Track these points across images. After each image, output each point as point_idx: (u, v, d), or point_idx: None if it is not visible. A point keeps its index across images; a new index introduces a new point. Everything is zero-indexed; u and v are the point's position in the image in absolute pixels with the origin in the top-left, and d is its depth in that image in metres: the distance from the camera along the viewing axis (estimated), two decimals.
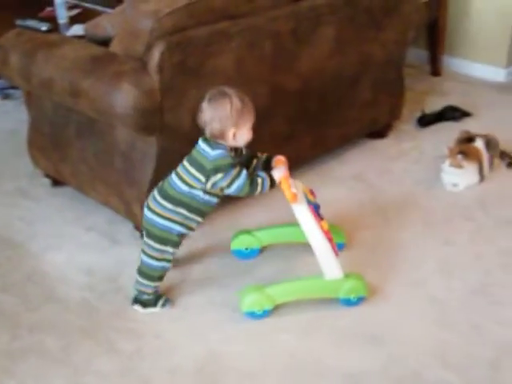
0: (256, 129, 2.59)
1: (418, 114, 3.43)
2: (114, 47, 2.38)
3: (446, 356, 1.98)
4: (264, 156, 2.21)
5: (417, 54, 4.11)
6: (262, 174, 2.10)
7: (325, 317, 2.14)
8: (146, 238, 2.15)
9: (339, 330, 2.09)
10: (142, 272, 2.17)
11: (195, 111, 2.33)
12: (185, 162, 2.10)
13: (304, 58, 2.62)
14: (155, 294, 2.20)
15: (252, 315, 2.14)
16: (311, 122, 2.82)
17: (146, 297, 2.19)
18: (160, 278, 2.19)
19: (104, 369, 1.97)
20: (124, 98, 2.18)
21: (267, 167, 2.16)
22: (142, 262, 2.17)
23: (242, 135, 2.06)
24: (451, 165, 2.76)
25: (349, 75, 2.85)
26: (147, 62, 2.20)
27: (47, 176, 2.88)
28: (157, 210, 2.10)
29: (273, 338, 2.07)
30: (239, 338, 2.08)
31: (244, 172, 2.05)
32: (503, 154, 3.02)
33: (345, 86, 2.87)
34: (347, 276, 2.15)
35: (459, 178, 2.81)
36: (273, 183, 2.09)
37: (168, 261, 2.16)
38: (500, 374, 1.91)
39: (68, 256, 2.47)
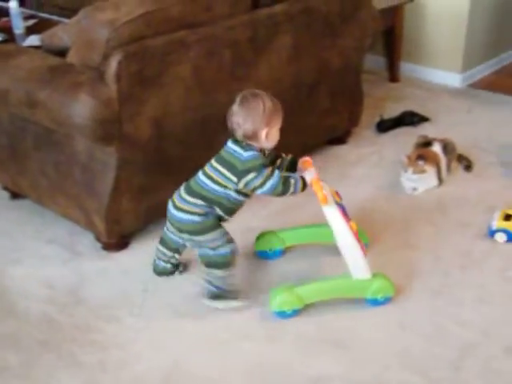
0: (215, 136, 2.61)
1: (377, 120, 3.47)
2: (71, 57, 2.36)
3: (408, 358, 2.00)
4: (289, 157, 2.26)
5: (375, 61, 4.17)
6: (295, 175, 2.15)
7: (288, 323, 2.14)
8: (179, 234, 2.19)
9: (303, 335, 2.10)
10: (209, 263, 2.18)
11: (155, 120, 2.34)
12: (214, 163, 2.14)
13: (262, 66, 2.64)
14: (231, 286, 2.22)
15: (282, 315, 2.15)
16: None
17: (224, 288, 2.19)
18: (230, 265, 2.18)
19: (66, 383, 1.94)
20: (82, 108, 2.16)
21: (292, 168, 2.21)
22: (203, 255, 2.18)
23: (272, 135, 2.10)
24: (414, 172, 2.80)
25: (307, 82, 2.88)
26: (104, 72, 2.19)
27: (5, 189, 2.84)
28: (185, 208, 2.13)
29: (237, 346, 2.07)
30: (204, 346, 2.07)
31: (277, 172, 2.10)
32: (460, 158, 3.08)
33: (304, 94, 2.89)
34: (374, 276, 2.17)
35: (418, 182, 2.85)
36: (304, 185, 2.13)
37: (224, 244, 2.16)
38: (461, 374, 1.93)
39: (28, 270, 2.43)
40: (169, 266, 2.36)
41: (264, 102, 2.07)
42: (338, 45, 2.94)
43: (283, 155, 2.25)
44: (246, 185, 2.08)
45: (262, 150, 2.12)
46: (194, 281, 2.34)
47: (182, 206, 2.14)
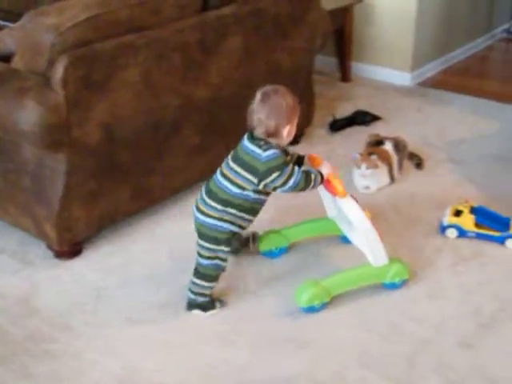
0: (167, 141, 2.60)
1: (330, 120, 3.50)
2: (16, 63, 2.31)
3: (365, 355, 2.01)
4: (296, 154, 2.24)
5: (326, 62, 4.20)
6: (313, 170, 2.14)
7: (245, 325, 2.14)
8: (198, 240, 2.15)
9: (261, 337, 2.09)
10: (199, 273, 2.16)
11: (104, 125, 2.31)
12: (232, 164, 2.08)
13: (213, 69, 2.63)
14: (211, 295, 2.19)
15: (312, 310, 2.17)
16: (223, 132, 2.82)
17: (202, 299, 2.18)
18: (216, 278, 2.18)
19: None
20: (28, 115, 2.12)
21: (299, 164, 2.19)
22: (199, 264, 2.16)
23: (291, 132, 2.08)
24: (368, 167, 2.82)
25: (258, 84, 2.83)
26: (51, 78, 2.15)
27: None
28: (206, 211, 2.09)
29: (194, 350, 2.05)
30: (160, 351, 2.05)
31: (297, 168, 2.07)
32: (411, 155, 3.12)
33: (255, 95, 2.88)
34: (391, 261, 2.23)
35: (371, 179, 2.88)
36: (322, 179, 2.13)
37: (222, 260, 2.15)
38: (417, 370, 1.96)
39: None
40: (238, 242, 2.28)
41: (285, 99, 2.06)
42: (288, 46, 2.95)
43: (290, 152, 2.21)
44: (267, 185, 2.04)
45: (279, 147, 2.06)
46: (146, 286, 2.32)
47: (204, 209, 2.11)
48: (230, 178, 2.07)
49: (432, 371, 1.95)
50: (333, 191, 2.17)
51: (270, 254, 2.48)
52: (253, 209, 2.12)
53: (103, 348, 2.06)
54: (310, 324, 2.15)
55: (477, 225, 2.53)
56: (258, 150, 2.03)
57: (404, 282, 2.27)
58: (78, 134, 2.24)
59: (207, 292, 2.18)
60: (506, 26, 4.99)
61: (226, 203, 2.07)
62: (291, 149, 3.20)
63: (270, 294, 2.28)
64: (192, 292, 2.19)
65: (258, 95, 2.07)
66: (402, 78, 4.09)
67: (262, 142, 2.04)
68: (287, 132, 2.06)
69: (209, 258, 2.14)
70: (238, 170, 2.06)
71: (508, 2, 4.87)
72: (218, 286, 2.23)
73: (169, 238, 2.59)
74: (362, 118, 3.52)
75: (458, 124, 3.54)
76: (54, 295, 2.29)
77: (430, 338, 2.07)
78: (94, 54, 2.21)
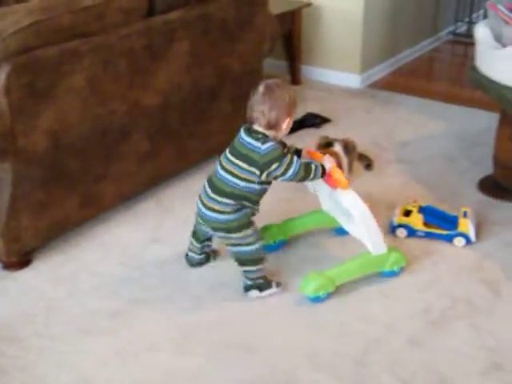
0: (116, 147, 2.57)
1: None
2: None
3: (316, 356, 2.02)
4: (293, 147, 2.30)
5: (276, 65, 4.22)
6: (315, 161, 2.20)
7: (197, 332, 2.13)
8: (217, 234, 2.23)
9: (212, 343, 2.09)
10: (243, 261, 2.23)
11: (51, 133, 2.28)
12: (231, 157, 2.15)
13: (161, 74, 2.61)
14: (265, 276, 2.27)
15: (317, 299, 2.23)
16: (173, 137, 2.81)
17: (260, 281, 2.25)
18: (262, 259, 2.25)
19: None
20: None
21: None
22: (237, 253, 2.22)
23: (289, 126, 2.16)
24: None
25: (207, 88, 2.88)
26: None
27: None
28: (216, 208, 2.16)
29: (148, 359, 2.03)
30: (113, 362, 2.02)
31: (295, 158, 2.14)
32: (361, 157, 3.15)
33: (204, 100, 2.89)
34: (389, 250, 2.31)
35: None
36: (323, 171, 2.19)
37: (256, 240, 2.21)
38: (368, 369, 1.98)
39: None
40: (202, 256, 2.41)
41: (288, 92, 2.14)
42: (236, 50, 2.95)
43: (287, 145, 2.28)
44: (269, 175, 2.12)
45: (275, 140, 2.14)
46: (99, 296, 2.29)
47: (212, 205, 2.17)
48: (234, 172, 2.13)
49: (383, 370, 1.97)
50: (334, 184, 2.23)
51: (269, 248, 2.49)
52: (257, 199, 2.21)
53: (54, 360, 2.03)
54: (261, 328, 2.15)
55: (426, 224, 2.58)
56: (256, 143, 2.10)
57: (402, 270, 2.36)
58: (24, 142, 2.20)
59: (260, 274, 2.25)
60: (451, 28, 5.09)
61: (233, 196, 2.15)
62: None
63: (221, 299, 2.28)
64: (247, 278, 2.26)
65: (261, 88, 2.13)
66: (352, 80, 4.14)
67: (260, 135, 2.11)
68: (286, 125, 2.14)
69: (244, 245, 2.21)
70: (240, 163, 2.12)
71: (453, 5, 4.98)
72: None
73: (119, 246, 2.57)
74: (311, 121, 3.55)
75: (406, 125, 3.60)
76: (2, 307, 2.24)
77: (381, 337, 2.10)
78: (37, 60, 2.17)
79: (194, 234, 2.38)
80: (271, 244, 2.51)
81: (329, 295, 2.25)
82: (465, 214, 2.57)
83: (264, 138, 2.10)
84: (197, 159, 3.04)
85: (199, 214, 2.25)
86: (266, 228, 2.51)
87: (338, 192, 2.25)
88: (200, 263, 2.43)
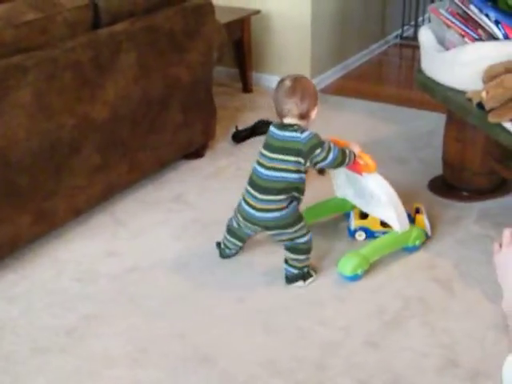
0: (66, 162, 2.54)
1: (233, 131, 3.52)
2: None
3: (274, 363, 2.03)
4: None
5: (227, 73, 4.24)
6: (347, 148, 2.31)
7: (152, 346, 2.11)
8: (272, 232, 2.31)
9: (169, 355, 2.07)
10: (297, 250, 2.30)
11: None
12: (271, 155, 2.21)
13: (108, 86, 2.59)
14: (308, 266, 2.36)
15: (355, 278, 2.36)
16: (125, 149, 2.79)
17: (306, 269, 2.34)
18: (310, 250, 2.35)
19: None
20: None
21: None
22: (293, 245, 2.30)
23: (316, 114, 2.27)
24: None
25: (157, 99, 2.87)
26: None
27: None
28: (270, 207, 2.23)
29: (104, 375, 2.01)
30: (69, 380, 1.99)
31: (332, 144, 2.24)
32: None
33: (154, 111, 2.87)
34: (411, 227, 2.48)
35: None
36: (354, 156, 2.32)
37: (308, 230, 2.32)
38: (325, 372, 1.99)
39: None
40: (234, 251, 2.50)
41: (312, 82, 2.28)
42: (185, 60, 2.95)
43: None
44: (312, 161, 2.20)
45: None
46: (53, 313, 2.26)
47: (266, 206, 2.24)
48: (279, 167, 2.20)
49: (341, 373, 1.98)
50: (361, 168, 2.35)
51: None
52: (304, 188, 2.30)
53: (9, 382, 1.99)
54: (217, 337, 2.15)
55: (382, 224, 2.60)
56: (295, 134, 2.19)
57: (422, 245, 2.53)
58: None
59: (308, 262, 2.35)
60: (398, 32, 5.18)
61: (285, 191, 2.22)
62: (194, 162, 3.24)
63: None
64: (294, 267, 2.32)
65: (288, 82, 2.22)
66: None
67: (296, 127, 2.20)
68: (314, 114, 2.25)
69: (299, 236, 2.29)
70: (283, 157, 2.19)
71: (399, 9, 5.06)
72: None
73: (74, 261, 2.53)
74: (263, 128, 3.55)
75: (357, 128, 3.64)
76: None
77: (338, 340, 2.11)
78: None
79: (235, 235, 2.42)
80: None
81: (363, 273, 2.37)
82: (417, 211, 2.62)
83: (300, 128, 2.19)
84: (149, 170, 3.02)
85: (247, 219, 2.30)
86: None
87: (363, 176, 2.38)
88: (229, 256, 2.51)
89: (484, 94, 2.41)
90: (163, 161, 3.06)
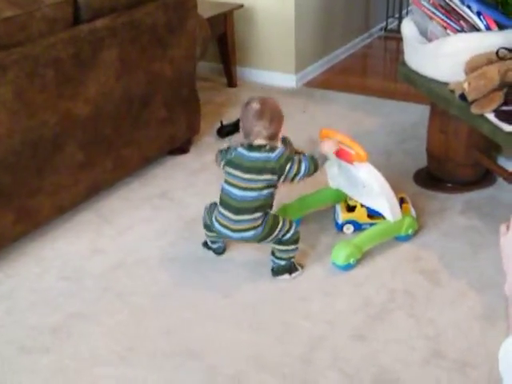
0: (49, 159, 2.52)
1: (218, 126, 3.51)
2: None
3: (260, 358, 2.02)
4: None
5: (212, 68, 4.23)
6: (314, 151, 2.35)
7: (139, 343, 2.10)
8: (262, 243, 2.33)
9: (156, 352, 2.07)
10: (285, 241, 2.31)
11: None
12: (243, 175, 2.23)
13: (90, 83, 2.57)
14: (294, 258, 2.38)
15: (347, 267, 2.38)
16: (108, 146, 2.78)
17: (292, 261, 2.35)
18: (299, 238, 2.36)
19: None
20: None
21: None
22: (281, 240, 2.31)
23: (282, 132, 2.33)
24: None
25: (140, 95, 2.85)
26: None
27: None
28: (246, 227, 2.25)
29: (91, 374, 2.00)
30: (55, 380, 1.97)
31: (301, 155, 2.31)
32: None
33: (137, 107, 2.86)
34: (403, 216, 2.50)
35: None
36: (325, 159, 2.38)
37: (291, 223, 2.33)
38: (313, 366, 1.99)
39: None
40: (222, 244, 2.50)
41: (278, 104, 2.30)
42: (167, 55, 2.94)
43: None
44: (286, 177, 2.26)
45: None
46: (39, 312, 2.25)
47: (241, 226, 2.26)
48: (253, 187, 2.23)
49: (328, 366, 1.98)
50: (352, 158, 2.37)
51: None
52: (272, 203, 2.33)
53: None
54: (203, 333, 2.14)
55: (369, 216, 2.60)
56: (266, 154, 2.23)
57: (414, 233, 2.55)
58: None
59: (295, 254, 2.36)
60: (382, 25, 5.18)
61: (261, 208, 2.25)
62: (179, 158, 3.23)
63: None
64: (281, 258, 2.33)
65: (256, 105, 2.23)
66: (287, 80, 4.17)
67: (267, 147, 2.24)
68: (281, 133, 2.31)
69: (286, 232, 2.31)
70: (259, 177, 2.23)
71: (384, 1, 5.06)
72: None
73: (59, 260, 2.52)
74: None
75: (342, 122, 3.64)
76: None
77: (324, 333, 2.11)
78: None
79: (208, 228, 2.42)
80: None
81: (356, 262, 2.39)
82: (402, 200, 2.62)
83: (270, 148, 2.24)
84: (134, 167, 3.01)
85: (221, 237, 2.38)
86: (282, 208, 2.60)
87: (354, 166, 2.40)
88: (223, 251, 2.52)
89: (466, 86, 2.41)
90: (148, 157, 3.05)
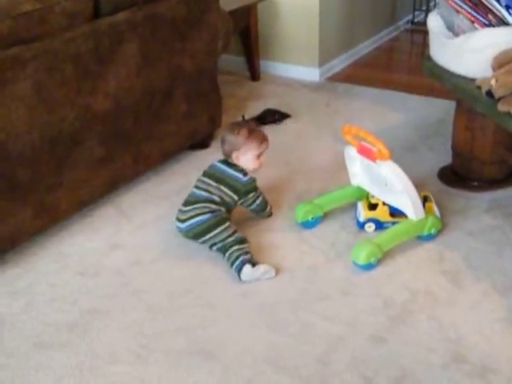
0: (68, 154, 2.51)
1: (239, 121, 3.47)
2: None
3: (278, 359, 1.99)
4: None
5: (235, 61, 4.19)
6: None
7: (155, 341, 2.09)
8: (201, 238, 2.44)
9: (172, 351, 2.04)
10: (242, 240, 2.38)
11: None
12: (210, 182, 2.47)
13: (110, 77, 2.55)
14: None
15: (368, 266, 2.34)
16: (128, 141, 2.76)
17: (249, 255, 2.36)
18: (219, 222, 2.42)
19: None
20: None
21: None
22: (237, 237, 2.39)
23: (246, 160, 2.47)
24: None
25: (161, 89, 2.83)
26: None
27: None
28: (187, 216, 2.42)
29: (106, 372, 1.98)
30: (71, 376, 1.96)
31: (259, 191, 2.54)
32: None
33: (158, 101, 2.83)
34: (427, 215, 2.45)
35: None
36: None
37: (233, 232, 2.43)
38: (329, 368, 1.95)
39: None
40: None
41: (239, 131, 2.50)
42: (188, 49, 2.90)
43: None
44: (243, 202, 2.51)
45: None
46: (56, 308, 2.24)
47: (188, 215, 2.43)
48: (214, 192, 2.44)
49: (346, 368, 1.95)
50: (373, 155, 2.37)
51: (308, 224, 2.60)
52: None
53: (11, 378, 1.97)
54: (220, 333, 2.11)
55: (392, 214, 2.55)
56: (238, 174, 2.46)
57: (438, 233, 2.50)
58: None
59: (248, 249, 2.39)
60: (409, 17, 5.09)
61: (209, 202, 2.42)
62: (200, 153, 3.20)
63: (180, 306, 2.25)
64: (238, 256, 2.33)
65: (245, 132, 2.47)
66: (311, 73, 4.12)
67: (240, 168, 2.46)
68: (236, 157, 2.48)
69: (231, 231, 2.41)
70: (223, 188, 2.45)
71: None
72: None
73: (77, 255, 2.51)
74: (270, 117, 3.52)
75: (366, 116, 3.58)
76: None
77: (342, 334, 2.07)
78: None
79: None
80: (309, 220, 2.59)
81: (377, 261, 2.35)
82: (426, 199, 2.57)
83: (244, 170, 2.47)
84: (154, 162, 2.99)
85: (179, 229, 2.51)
86: (302, 205, 2.61)
87: (376, 164, 2.38)
88: None
89: (493, 82, 2.34)
90: (168, 152, 3.02)
